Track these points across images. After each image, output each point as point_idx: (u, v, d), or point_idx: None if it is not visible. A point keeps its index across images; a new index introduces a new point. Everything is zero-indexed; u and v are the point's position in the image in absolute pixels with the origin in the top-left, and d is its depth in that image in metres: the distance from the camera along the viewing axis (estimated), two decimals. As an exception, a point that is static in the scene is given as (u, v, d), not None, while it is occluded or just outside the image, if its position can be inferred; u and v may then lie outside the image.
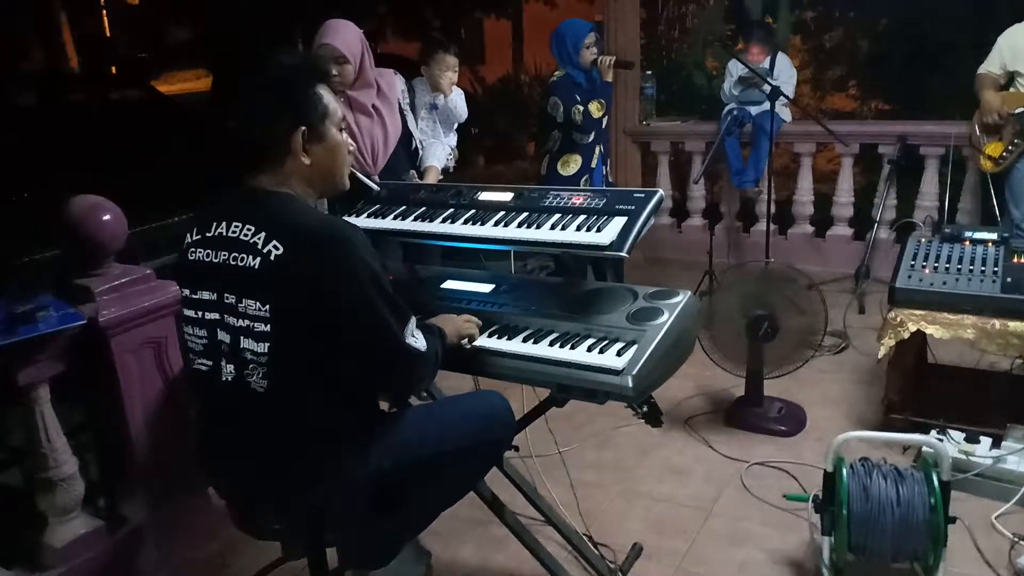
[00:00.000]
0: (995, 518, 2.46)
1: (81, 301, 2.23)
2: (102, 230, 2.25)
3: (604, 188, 3.53)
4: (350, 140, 1.75)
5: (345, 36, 2.89)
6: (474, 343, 1.87)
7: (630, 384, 1.65)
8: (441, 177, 3.42)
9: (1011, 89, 3.70)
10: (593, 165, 3.79)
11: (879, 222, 4.70)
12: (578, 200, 2.03)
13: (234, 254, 1.53)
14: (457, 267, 2.38)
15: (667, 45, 9.90)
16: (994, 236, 2.88)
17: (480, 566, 2.46)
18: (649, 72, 5.70)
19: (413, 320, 1.61)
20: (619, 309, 1.88)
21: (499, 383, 1.91)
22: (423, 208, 2.24)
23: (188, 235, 1.63)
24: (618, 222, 1.91)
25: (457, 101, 3.65)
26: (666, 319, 1.80)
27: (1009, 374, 3.19)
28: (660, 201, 1.95)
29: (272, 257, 1.48)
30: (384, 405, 1.78)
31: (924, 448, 2.31)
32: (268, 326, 1.49)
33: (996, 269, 2.72)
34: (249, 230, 1.52)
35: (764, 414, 3.17)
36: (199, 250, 1.59)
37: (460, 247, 2.22)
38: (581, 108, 3.62)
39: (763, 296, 3.00)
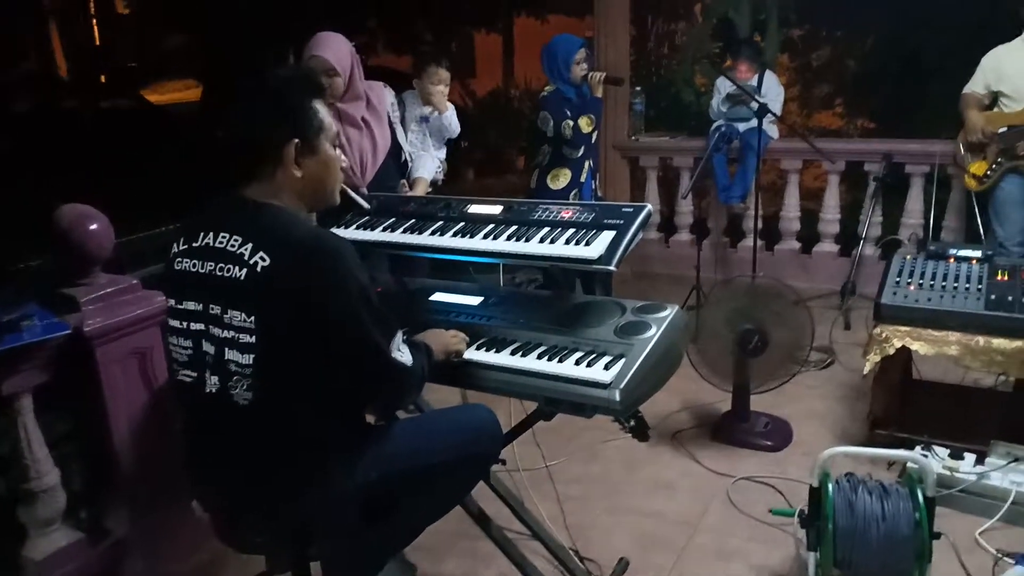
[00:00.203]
0: (979, 534, 2.47)
1: (67, 310, 2.21)
2: (89, 239, 2.24)
3: (593, 202, 3.54)
4: (342, 155, 1.75)
5: (335, 49, 2.90)
6: (462, 356, 1.86)
7: (618, 398, 1.65)
8: (430, 190, 3.43)
9: (995, 109, 3.75)
10: (582, 179, 3.81)
11: (865, 239, 4.74)
12: (567, 214, 2.04)
13: (220, 265, 1.52)
14: (446, 279, 2.38)
15: (656, 62, 9.99)
16: (978, 254, 2.91)
17: (466, 581, 2.45)
18: (638, 88, 5.75)
19: (400, 334, 1.61)
20: (607, 323, 1.89)
21: (487, 396, 1.91)
22: (412, 220, 2.24)
23: (175, 245, 1.63)
24: (607, 236, 1.91)
25: (450, 117, 3.66)
26: (654, 333, 1.80)
27: (993, 391, 3.21)
28: (648, 216, 1.96)
29: (259, 268, 1.48)
30: (371, 419, 1.77)
31: (909, 464, 2.32)
32: (253, 338, 1.48)
33: (980, 286, 2.75)
34: (236, 241, 1.52)
35: (751, 429, 3.17)
36: (185, 260, 1.59)
37: (449, 259, 2.23)
38: (571, 123, 3.64)
39: (751, 311, 3.02)
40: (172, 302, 1.62)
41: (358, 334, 1.51)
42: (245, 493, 1.60)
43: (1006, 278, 2.75)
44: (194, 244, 1.58)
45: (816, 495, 2.14)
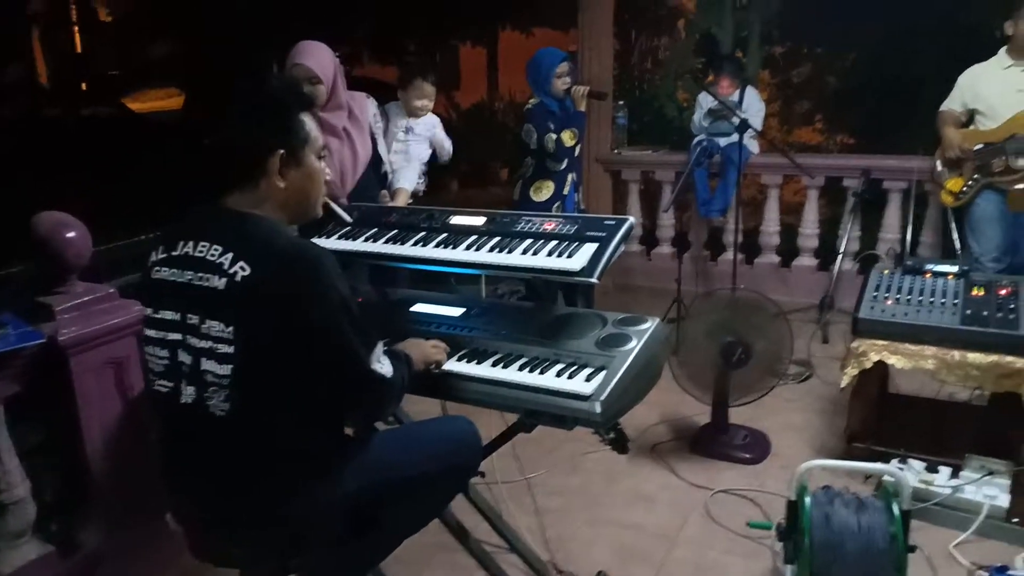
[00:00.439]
0: (953, 547, 2.49)
1: (41, 319, 2.18)
2: (66, 247, 2.21)
3: (576, 214, 3.56)
4: (327, 168, 1.75)
5: (318, 57, 2.90)
6: (442, 367, 1.86)
7: (598, 410, 1.65)
8: (411, 200, 3.43)
9: (971, 127, 3.81)
10: (565, 192, 3.83)
11: (843, 253, 4.78)
12: (550, 226, 2.04)
13: (199, 274, 1.51)
14: (428, 290, 2.37)
15: (640, 76, 10.08)
16: (955, 269, 2.94)
17: (444, 594, 2.43)
18: (621, 102, 5.79)
19: (380, 345, 1.60)
20: (588, 335, 1.89)
21: (467, 408, 1.90)
22: (395, 231, 2.24)
23: (153, 253, 1.62)
24: (589, 248, 1.92)
25: (445, 145, 3.72)
26: (635, 345, 1.81)
27: (968, 405, 3.24)
28: (630, 228, 1.98)
29: (238, 278, 1.47)
30: (349, 430, 1.76)
31: (885, 477, 2.34)
32: (231, 348, 1.47)
33: (956, 301, 2.78)
34: (216, 250, 1.51)
35: (729, 441, 3.19)
36: (164, 269, 1.57)
37: (431, 270, 2.22)
38: (554, 136, 3.66)
39: (732, 323, 3.04)
40: (149, 311, 1.60)
41: (338, 345, 1.51)
42: (221, 506, 1.58)
43: (982, 293, 2.79)
44: (173, 253, 1.57)
45: (794, 508, 2.15)
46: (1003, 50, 3.70)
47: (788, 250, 5.20)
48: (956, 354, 2.67)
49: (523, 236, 2.04)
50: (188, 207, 1.63)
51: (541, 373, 1.78)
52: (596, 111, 5.13)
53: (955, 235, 4.08)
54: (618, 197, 5.77)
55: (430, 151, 3.73)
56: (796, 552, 2.13)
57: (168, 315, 1.55)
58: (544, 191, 3.79)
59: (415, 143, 3.64)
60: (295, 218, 1.70)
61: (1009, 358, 2.60)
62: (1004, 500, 2.57)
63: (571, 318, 2.01)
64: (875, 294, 2.91)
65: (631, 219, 1.98)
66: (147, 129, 8.37)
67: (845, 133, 9.34)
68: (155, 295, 1.59)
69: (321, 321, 1.48)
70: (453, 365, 1.87)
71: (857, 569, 2.07)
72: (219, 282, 1.48)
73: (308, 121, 1.64)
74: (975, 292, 2.80)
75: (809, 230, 5.05)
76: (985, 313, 2.69)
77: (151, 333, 1.59)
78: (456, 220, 2.19)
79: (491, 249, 2.04)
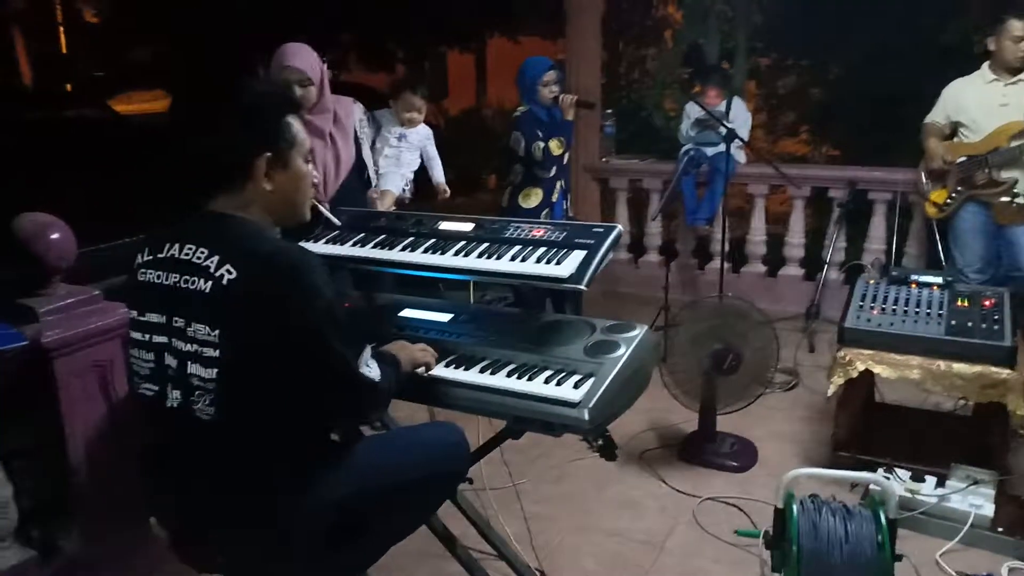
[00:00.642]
0: (939, 556, 2.50)
1: (24, 321, 2.15)
2: (50, 249, 2.18)
3: (564, 221, 3.56)
4: (314, 171, 1.74)
5: (306, 58, 2.89)
6: (431, 372, 1.85)
7: (586, 417, 1.65)
8: (394, 207, 3.43)
9: (955, 139, 3.85)
10: (554, 199, 3.83)
11: (829, 263, 4.82)
12: (538, 233, 2.04)
13: (185, 277, 1.50)
14: (416, 296, 2.36)
15: (627, 86, 10.13)
16: (939, 280, 2.97)
17: (430, 601, 2.42)
18: (609, 111, 5.81)
19: (368, 349, 1.59)
20: (577, 342, 1.89)
21: (455, 414, 1.89)
22: (383, 236, 2.23)
23: (139, 256, 1.60)
24: (577, 255, 1.92)
25: (435, 164, 3.74)
26: (623, 352, 1.81)
27: (953, 414, 3.27)
28: (618, 236, 1.98)
29: (224, 281, 1.46)
30: (336, 436, 1.75)
31: (872, 486, 2.35)
32: (217, 351, 1.46)
33: (941, 312, 2.80)
34: (202, 253, 1.49)
35: (717, 449, 3.19)
36: (149, 271, 1.56)
37: (419, 276, 2.22)
38: (542, 144, 3.66)
39: (722, 331, 3.05)
40: (135, 314, 1.58)
41: (325, 348, 1.50)
42: (206, 510, 1.57)
43: (966, 304, 2.81)
44: (159, 255, 1.56)
45: (781, 516, 2.15)
46: (985, 65, 3.75)
47: (774, 260, 5.23)
48: (941, 364, 2.70)
49: (512, 243, 2.04)
50: (174, 210, 1.62)
51: (529, 380, 1.78)
52: (584, 120, 5.13)
53: (939, 246, 4.12)
54: (606, 205, 5.79)
55: (419, 161, 3.75)
56: (783, 560, 2.14)
57: (154, 318, 1.54)
58: (533, 198, 3.80)
59: (407, 151, 3.66)
60: (282, 221, 1.69)
61: (994, 369, 2.62)
62: (989, 509, 2.59)
63: (560, 325, 2.01)
64: (861, 304, 2.94)
65: (619, 227, 1.99)
66: (133, 131, 8.31)
67: (830, 144, 9.42)
68: (141, 298, 1.58)
69: (308, 325, 1.47)
70: (441, 371, 1.86)
71: (844, 577, 2.07)
72: (205, 285, 1.47)
73: (295, 124, 1.63)
74: (960, 303, 2.83)
75: (795, 240, 5.08)
76: (970, 324, 2.72)
77: (137, 336, 1.58)
78: (445, 226, 2.18)
79: (480, 255, 2.03)
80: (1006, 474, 2.75)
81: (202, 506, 1.57)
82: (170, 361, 1.51)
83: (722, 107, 5.01)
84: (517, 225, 2.10)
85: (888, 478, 2.57)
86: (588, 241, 1.95)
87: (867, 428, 3.06)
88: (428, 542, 2.16)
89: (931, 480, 2.71)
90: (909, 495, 2.64)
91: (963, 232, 3.85)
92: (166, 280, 1.52)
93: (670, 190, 4.39)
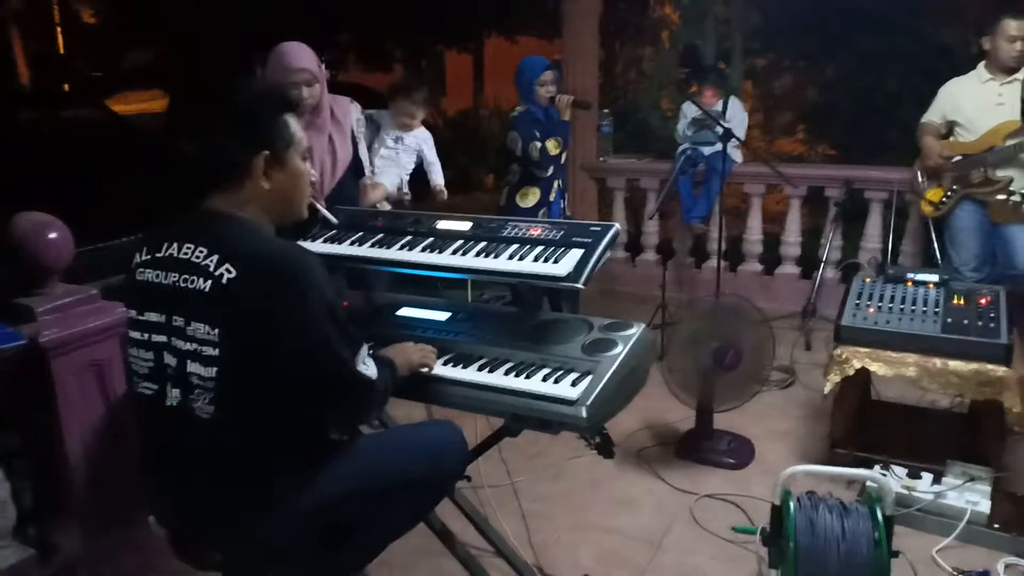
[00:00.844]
0: (936, 552, 2.51)
1: (22, 321, 2.15)
2: (48, 249, 2.19)
3: (562, 220, 3.57)
4: (312, 170, 1.74)
5: (307, 56, 2.88)
6: (432, 368, 1.85)
7: (584, 415, 1.66)
8: (387, 203, 3.44)
9: (951, 138, 3.87)
10: (551, 198, 3.84)
11: (825, 262, 4.83)
12: (536, 231, 2.04)
13: (184, 276, 1.50)
14: (414, 295, 2.37)
15: (624, 86, 10.14)
16: (935, 278, 2.98)
17: (428, 599, 2.42)
18: (606, 111, 5.82)
19: (365, 348, 1.60)
20: (574, 340, 1.89)
21: (453, 412, 1.90)
22: (381, 235, 2.23)
23: (137, 255, 1.60)
24: (575, 254, 1.92)
25: (434, 168, 3.74)
26: (620, 351, 1.82)
27: (949, 412, 3.29)
28: (616, 235, 1.98)
29: (224, 280, 1.46)
30: (334, 434, 1.75)
31: (868, 483, 2.35)
32: (216, 350, 1.46)
33: (937, 310, 2.82)
34: (201, 252, 1.50)
35: (714, 447, 3.20)
36: (148, 271, 1.56)
37: (417, 275, 2.22)
38: (539, 144, 3.67)
39: (722, 328, 3.05)
40: (133, 313, 1.59)
41: (323, 347, 1.50)
42: (205, 508, 1.57)
43: (962, 302, 2.82)
44: (157, 255, 1.56)
45: (778, 513, 2.16)
46: (981, 65, 3.76)
47: (771, 258, 5.24)
48: (937, 362, 2.71)
49: (509, 241, 2.05)
50: (172, 209, 1.62)
51: (527, 378, 1.78)
52: (581, 120, 5.15)
53: (935, 244, 4.13)
54: (604, 204, 5.80)
55: (415, 163, 3.77)
56: (780, 557, 2.14)
57: (153, 317, 1.55)
58: (530, 197, 3.81)
59: (404, 152, 3.68)
60: (280, 219, 1.69)
61: (989, 366, 2.63)
62: (985, 506, 2.60)
63: (557, 323, 2.01)
64: (857, 302, 2.95)
65: (616, 225, 1.99)
66: (131, 131, 8.31)
67: (826, 144, 9.44)
68: (139, 297, 1.58)
69: (305, 323, 1.48)
70: (439, 369, 1.87)
71: (841, 574, 2.08)
72: (205, 284, 1.47)
73: (293, 122, 1.64)
74: (956, 301, 2.84)
75: (792, 239, 5.09)
76: (966, 321, 2.73)
77: (135, 335, 1.58)
78: (442, 225, 2.18)
79: (478, 254, 2.04)
80: (1002, 471, 2.77)
81: (201, 504, 1.57)
82: (169, 360, 1.52)
83: (719, 107, 5.02)
84: (515, 224, 2.11)
85: (884, 475, 2.58)
86: (585, 240, 1.96)
87: (863, 425, 3.07)
88: (426, 539, 2.17)
89: (927, 477, 2.72)
90: (905, 492, 2.65)
91: (959, 230, 3.86)
92: (165, 279, 1.53)
93: (667, 189, 4.41)
